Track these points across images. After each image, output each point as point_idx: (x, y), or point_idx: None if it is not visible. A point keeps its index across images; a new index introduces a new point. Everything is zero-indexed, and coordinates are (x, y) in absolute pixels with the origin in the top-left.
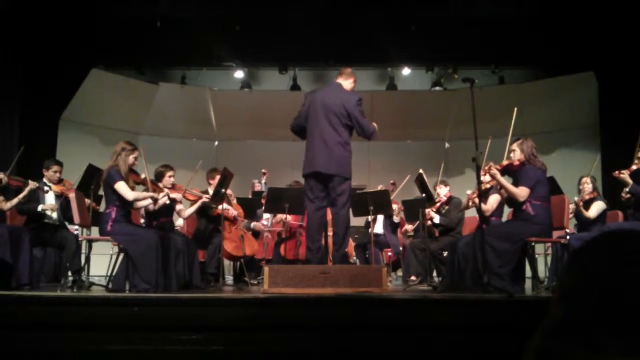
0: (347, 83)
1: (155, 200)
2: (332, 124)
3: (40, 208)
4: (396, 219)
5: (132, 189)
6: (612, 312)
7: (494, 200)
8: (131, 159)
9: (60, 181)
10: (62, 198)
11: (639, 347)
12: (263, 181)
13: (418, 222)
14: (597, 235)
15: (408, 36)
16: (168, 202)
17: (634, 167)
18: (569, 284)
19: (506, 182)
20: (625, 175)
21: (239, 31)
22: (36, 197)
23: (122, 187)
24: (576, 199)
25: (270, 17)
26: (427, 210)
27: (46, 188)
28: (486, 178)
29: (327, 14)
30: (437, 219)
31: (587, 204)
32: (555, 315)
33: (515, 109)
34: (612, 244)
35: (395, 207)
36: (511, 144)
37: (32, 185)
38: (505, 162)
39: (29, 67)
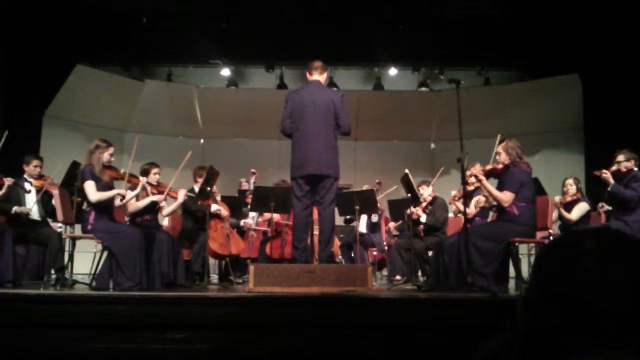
0: (322, 78)
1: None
2: (322, 123)
3: (14, 210)
4: (374, 218)
5: (110, 185)
6: (572, 315)
7: (477, 200)
8: (106, 155)
9: (40, 176)
10: (42, 192)
11: (604, 344)
12: (252, 180)
13: (401, 221)
14: (552, 240)
15: (395, 36)
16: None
17: (614, 168)
18: (530, 291)
19: (491, 186)
20: (607, 174)
21: (225, 28)
22: (15, 196)
23: (88, 187)
24: (557, 198)
25: (257, 15)
26: (415, 210)
27: (27, 186)
28: (471, 179)
29: (314, 12)
30: (423, 218)
31: (570, 205)
32: (522, 321)
33: (499, 136)
34: (564, 247)
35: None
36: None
37: (8, 181)
38: (488, 167)
39: (11, 61)
